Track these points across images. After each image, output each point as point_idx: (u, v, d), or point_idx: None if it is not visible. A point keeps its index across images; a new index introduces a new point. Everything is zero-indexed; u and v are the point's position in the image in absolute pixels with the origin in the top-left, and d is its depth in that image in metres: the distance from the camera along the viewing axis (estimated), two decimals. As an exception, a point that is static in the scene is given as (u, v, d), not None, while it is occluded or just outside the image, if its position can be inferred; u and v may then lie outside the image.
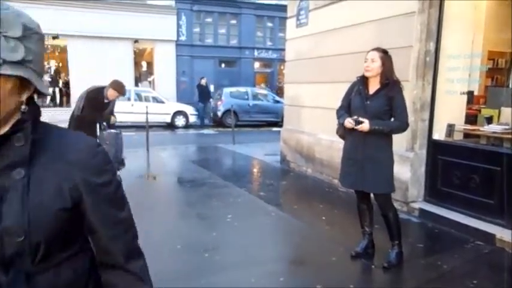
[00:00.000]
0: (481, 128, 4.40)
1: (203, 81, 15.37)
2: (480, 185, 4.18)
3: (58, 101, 18.09)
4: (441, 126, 4.69)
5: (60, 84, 18.54)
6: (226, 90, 15.83)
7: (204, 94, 15.33)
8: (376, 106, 3.15)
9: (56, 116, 12.65)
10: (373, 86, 3.21)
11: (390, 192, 3.28)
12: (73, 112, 5.69)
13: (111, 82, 5.63)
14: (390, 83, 3.15)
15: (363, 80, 3.26)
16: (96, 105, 5.53)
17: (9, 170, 0.79)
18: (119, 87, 5.62)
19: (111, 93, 5.59)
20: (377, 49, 3.21)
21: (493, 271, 3.31)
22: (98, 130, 5.61)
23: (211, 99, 15.69)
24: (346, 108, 3.34)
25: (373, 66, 3.15)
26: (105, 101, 5.63)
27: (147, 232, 4.04)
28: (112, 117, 5.69)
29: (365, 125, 3.07)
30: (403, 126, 3.21)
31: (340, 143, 3.55)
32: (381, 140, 3.18)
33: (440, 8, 4.55)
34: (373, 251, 3.50)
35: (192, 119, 14.81)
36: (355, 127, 3.11)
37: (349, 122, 3.13)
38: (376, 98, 3.17)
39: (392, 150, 3.27)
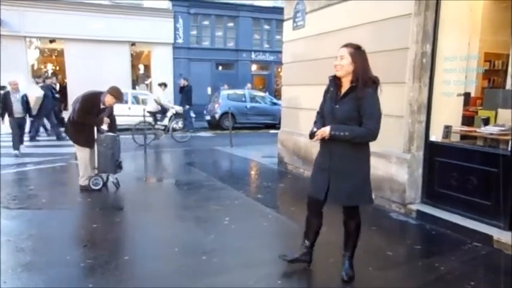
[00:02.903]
0: (478, 130, 4.41)
1: (183, 82, 14.14)
2: (477, 186, 4.18)
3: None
4: (438, 128, 4.70)
5: (58, 88, 18.48)
6: (224, 92, 15.83)
7: (185, 96, 13.97)
8: (344, 111, 2.83)
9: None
10: (345, 87, 2.90)
11: (356, 205, 3.03)
12: (70, 116, 5.68)
13: (109, 88, 5.60)
14: (360, 83, 2.79)
15: (335, 81, 2.96)
16: (91, 109, 5.51)
17: None
18: (117, 94, 5.60)
19: (108, 99, 5.57)
20: (347, 45, 2.92)
21: (491, 272, 3.31)
22: (95, 133, 5.61)
23: (187, 106, 13.70)
24: (322, 113, 3.07)
25: (342, 64, 2.85)
26: (102, 106, 5.61)
27: (144, 235, 4.05)
28: (105, 119, 5.59)
29: (323, 130, 2.86)
30: (369, 134, 2.80)
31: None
32: (348, 149, 2.86)
33: (437, 10, 4.57)
34: (310, 264, 3.28)
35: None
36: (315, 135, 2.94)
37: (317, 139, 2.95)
38: (344, 101, 2.85)
39: (364, 161, 2.96)
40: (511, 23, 4.10)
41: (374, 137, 2.82)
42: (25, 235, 3.98)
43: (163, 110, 11.44)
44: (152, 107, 11.31)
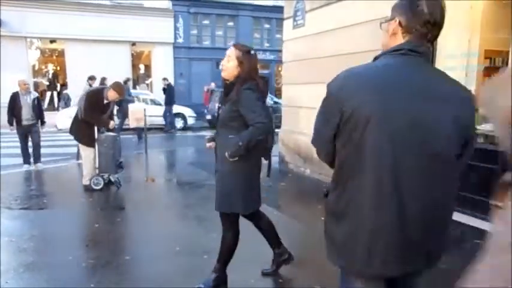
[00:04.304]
0: (479, 127, 4.40)
1: (166, 83, 14.16)
2: (478, 183, 4.17)
3: (56, 104, 18.08)
4: (439, 126, 4.69)
5: (58, 88, 18.53)
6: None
7: (168, 96, 14.11)
8: (225, 111, 2.68)
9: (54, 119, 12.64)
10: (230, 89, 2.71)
11: (227, 212, 2.88)
12: (76, 114, 5.74)
13: (112, 84, 5.77)
14: (237, 83, 2.60)
15: (223, 82, 2.75)
16: (96, 106, 5.60)
17: None
18: (119, 89, 5.71)
19: (111, 94, 5.67)
20: (236, 46, 2.70)
21: (492, 270, 3.31)
22: (96, 132, 5.64)
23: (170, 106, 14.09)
24: None
25: (228, 66, 2.64)
26: (105, 101, 5.69)
27: (146, 234, 4.05)
28: (111, 122, 5.74)
29: (223, 155, 2.66)
30: (258, 129, 2.56)
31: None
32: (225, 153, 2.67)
33: (437, 8, 4.56)
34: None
35: (191, 121, 14.77)
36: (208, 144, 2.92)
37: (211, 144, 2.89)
38: (226, 101, 2.69)
39: (240, 168, 2.70)
40: (511, 20, 4.09)
41: (265, 129, 2.61)
42: (27, 235, 3.99)
43: None
44: None
